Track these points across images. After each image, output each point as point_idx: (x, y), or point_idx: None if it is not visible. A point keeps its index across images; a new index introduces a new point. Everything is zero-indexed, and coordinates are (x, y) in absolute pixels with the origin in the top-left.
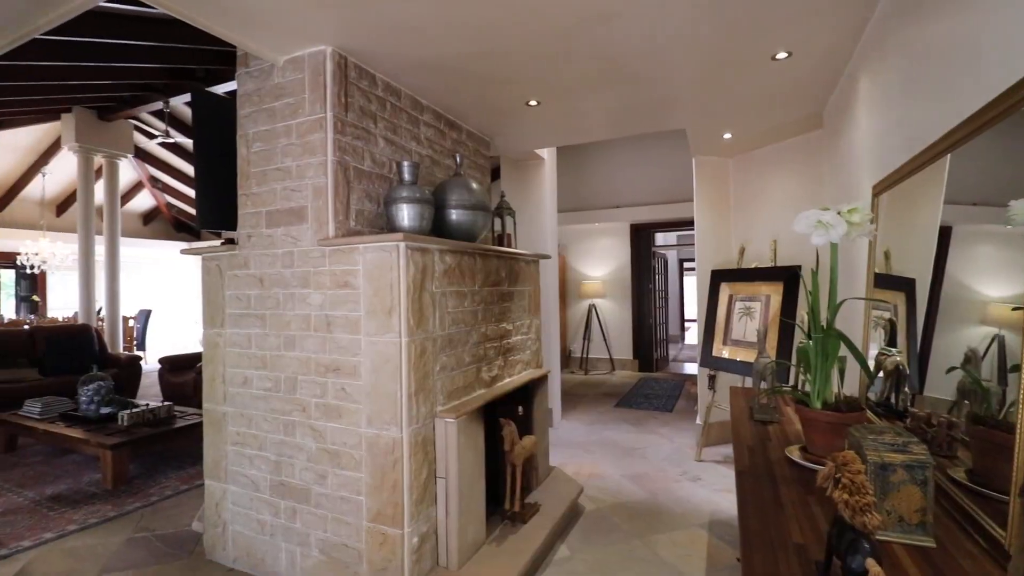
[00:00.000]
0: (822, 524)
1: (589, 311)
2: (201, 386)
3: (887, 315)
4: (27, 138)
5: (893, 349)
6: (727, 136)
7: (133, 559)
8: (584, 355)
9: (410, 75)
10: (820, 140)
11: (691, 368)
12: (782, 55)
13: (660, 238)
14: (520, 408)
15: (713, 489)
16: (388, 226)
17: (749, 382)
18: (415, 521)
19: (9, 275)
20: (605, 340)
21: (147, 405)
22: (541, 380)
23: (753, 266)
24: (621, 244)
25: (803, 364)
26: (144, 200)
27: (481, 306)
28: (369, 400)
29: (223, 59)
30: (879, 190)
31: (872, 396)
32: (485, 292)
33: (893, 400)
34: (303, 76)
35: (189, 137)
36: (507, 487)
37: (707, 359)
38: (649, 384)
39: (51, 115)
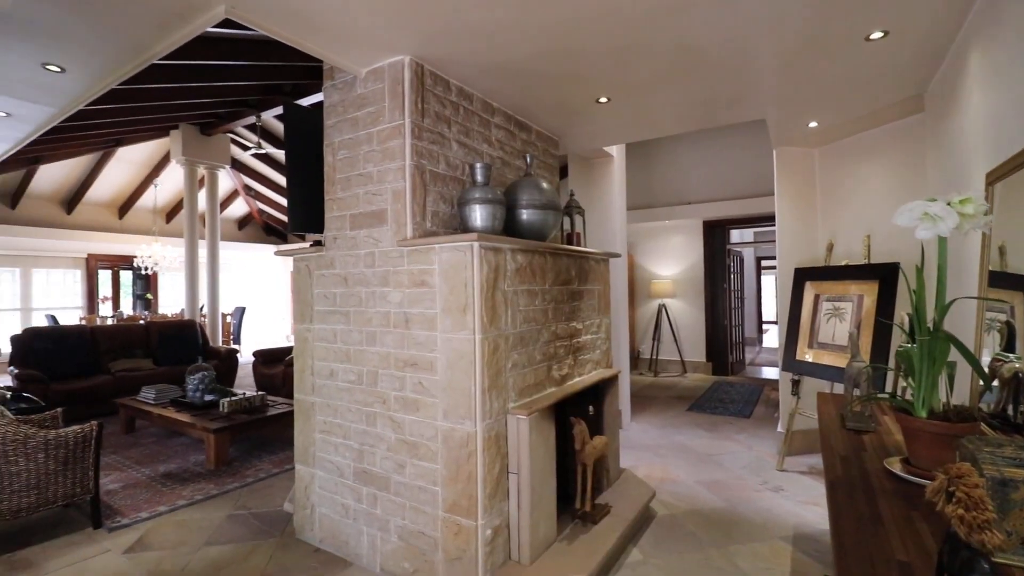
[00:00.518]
0: (929, 542)
1: (659, 311)
2: (289, 377)
3: (1003, 317)
4: (141, 154)
5: (1011, 355)
6: (813, 125)
7: (233, 534)
8: (654, 356)
9: (482, 79)
10: (920, 125)
11: (770, 372)
12: (877, 35)
13: (735, 235)
14: (591, 408)
15: (797, 501)
16: (461, 226)
17: (838, 388)
18: (488, 514)
19: (127, 276)
20: (676, 341)
21: (244, 394)
22: (612, 380)
23: (843, 263)
24: (693, 242)
25: (905, 369)
26: (239, 207)
27: (551, 305)
28: (445, 394)
29: (308, 74)
30: (994, 178)
31: (985, 407)
32: (555, 291)
33: (1011, 411)
34: (383, 86)
35: (278, 148)
36: (577, 486)
37: (790, 363)
38: (724, 388)
39: (162, 132)
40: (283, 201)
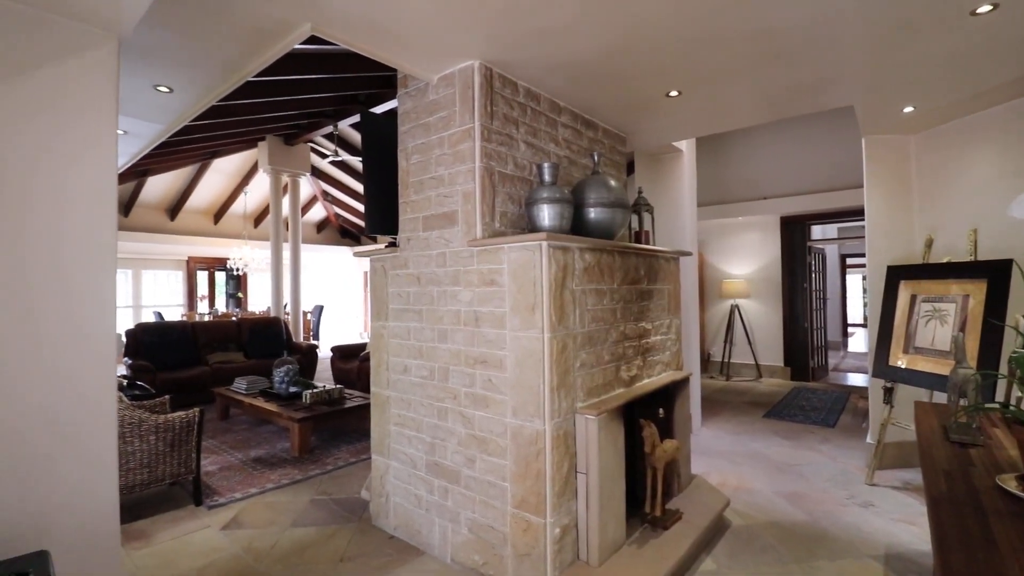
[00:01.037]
0: None
1: (731, 312)
2: (363, 372)
3: None
4: (233, 165)
5: None
6: (908, 110)
7: (315, 517)
8: (725, 359)
9: (549, 79)
10: None
11: (857, 379)
12: (985, 8)
13: (817, 231)
14: (661, 410)
15: (890, 518)
16: (529, 226)
17: (939, 396)
18: (556, 512)
19: (221, 276)
20: (750, 344)
21: (323, 387)
22: (682, 382)
23: (944, 260)
24: (769, 239)
25: (1021, 376)
26: (317, 211)
27: (620, 304)
28: (513, 392)
29: (381, 83)
30: None
31: None
32: (624, 290)
33: None
34: (453, 91)
35: (353, 155)
36: (647, 490)
37: (882, 369)
38: (804, 395)
39: (251, 143)
40: (357, 205)
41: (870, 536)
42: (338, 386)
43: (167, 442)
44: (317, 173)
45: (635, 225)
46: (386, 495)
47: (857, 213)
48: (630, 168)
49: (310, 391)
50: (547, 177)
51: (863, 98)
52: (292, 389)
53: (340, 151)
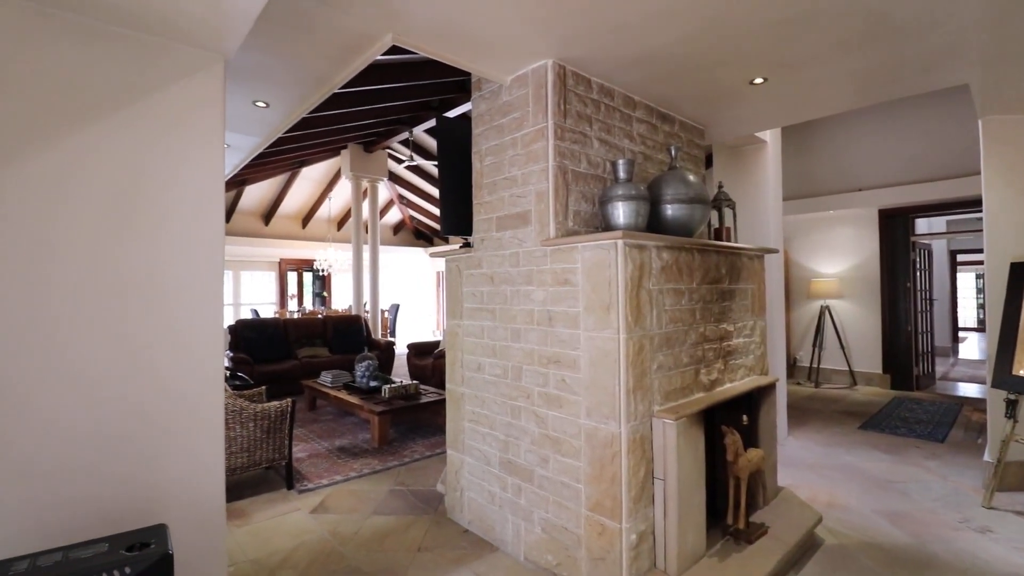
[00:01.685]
0: None
1: (821, 314)
2: (437, 369)
3: None
4: (318, 172)
5: None
6: None
7: (394, 507)
8: (814, 364)
9: (624, 72)
10: None
11: (970, 389)
12: None
13: (922, 224)
14: (745, 417)
15: (1012, 546)
16: (603, 224)
17: None
18: (633, 518)
19: (308, 276)
20: (843, 348)
21: (401, 382)
22: (768, 388)
23: None
24: (865, 234)
25: None
26: (394, 214)
27: (699, 305)
28: (588, 393)
29: (453, 89)
30: None
31: None
32: (704, 290)
33: None
34: (527, 91)
35: (426, 159)
36: (730, 501)
37: (1004, 379)
38: (907, 405)
39: (334, 152)
40: (431, 208)
41: (989, 565)
42: (414, 382)
43: (264, 429)
44: (393, 178)
45: (715, 222)
46: (460, 490)
47: (970, 204)
48: (708, 162)
49: (388, 386)
50: (622, 174)
51: (981, 74)
52: (372, 383)
53: (415, 156)
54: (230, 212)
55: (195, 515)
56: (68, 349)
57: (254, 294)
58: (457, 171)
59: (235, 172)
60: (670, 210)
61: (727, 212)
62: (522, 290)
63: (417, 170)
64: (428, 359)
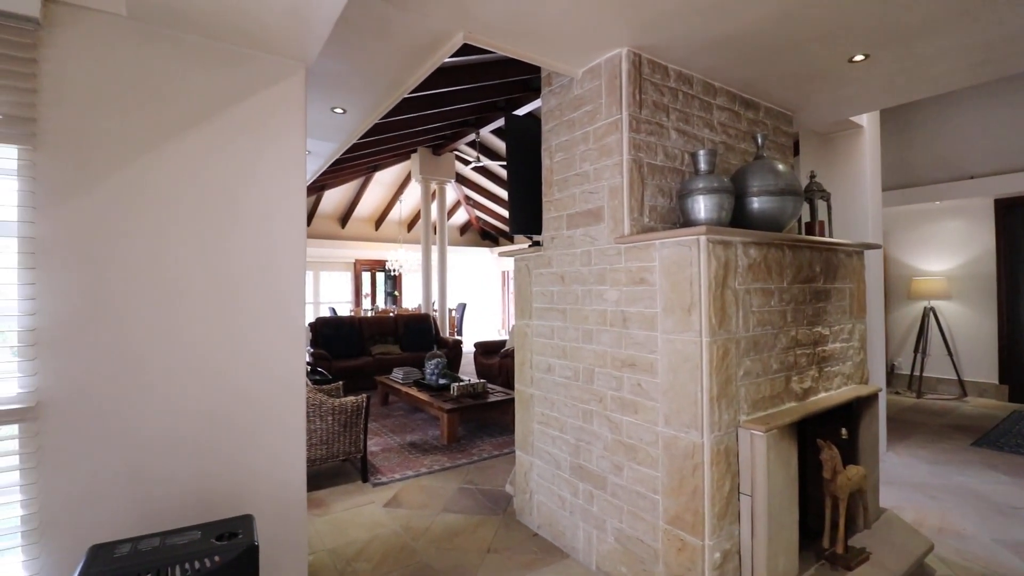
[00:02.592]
0: None
1: (924, 316)
2: (504, 368)
3: None
4: (390, 176)
5: None
6: None
7: (464, 505)
8: (915, 372)
9: (704, 57)
10: None
11: None
12: None
13: None
14: (844, 431)
15: None
16: (682, 220)
17: None
18: (716, 535)
19: (380, 276)
20: (951, 355)
21: (469, 381)
22: (869, 399)
23: None
24: (978, 227)
25: None
26: (460, 215)
27: (790, 306)
28: (666, 399)
29: (518, 88)
30: None
31: None
32: (795, 290)
33: None
34: (599, 83)
35: (492, 160)
36: (826, 522)
37: None
38: None
39: (405, 156)
40: (496, 208)
41: None
42: (481, 380)
43: (341, 423)
44: (460, 179)
45: (806, 215)
46: (530, 492)
47: None
48: (794, 150)
49: (457, 384)
50: (703, 165)
51: None
52: (441, 381)
53: (481, 157)
54: (311, 216)
55: (278, 505)
56: (192, 343)
57: (332, 293)
58: (526, 169)
59: (315, 177)
60: (757, 203)
61: (820, 205)
62: (594, 290)
63: (483, 171)
64: (495, 358)
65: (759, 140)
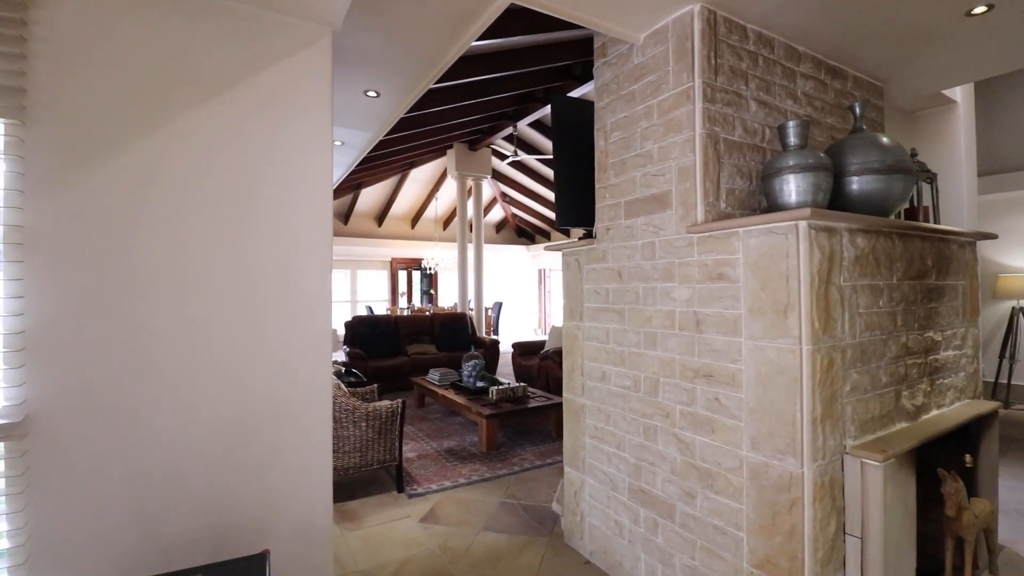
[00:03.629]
0: None
1: (1011, 317)
2: (543, 370)
3: None
4: (425, 174)
5: None
6: None
7: (506, 523)
8: (1001, 380)
9: (790, 14)
10: None
11: None
12: None
13: None
14: (968, 457)
15: None
16: (767, 204)
17: None
18: None
19: (416, 275)
20: None
21: (508, 384)
22: (989, 418)
23: None
24: None
25: None
26: (496, 213)
27: (900, 306)
28: (753, 418)
29: (559, 76)
30: None
31: None
32: (906, 287)
33: None
34: (666, 47)
35: (530, 154)
36: (946, 566)
37: None
38: None
39: (440, 152)
40: (533, 205)
41: None
42: (521, 384)
43: (375, 429)
44: (497, 176)
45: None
46: (580, 513)
47: None
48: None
49: (496, 387)
50: (793, 139)
51: None
52: (479, 384)
53: (519, 152)
54: (348, 214)
55: (302, 531)
56: (208, 347)
57: (368, 292)
58: (575, 154)
59: (349, 172)
60: (856, 184)
61: (924, 187)
62: (659, 287)
63: (520, 166)
64: (534, 359)
65: (857, 109)
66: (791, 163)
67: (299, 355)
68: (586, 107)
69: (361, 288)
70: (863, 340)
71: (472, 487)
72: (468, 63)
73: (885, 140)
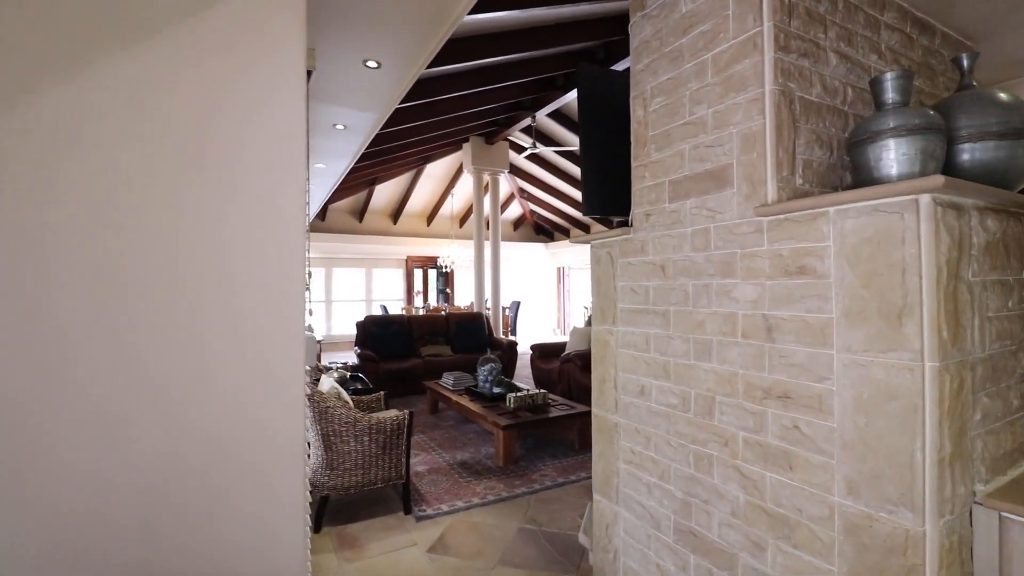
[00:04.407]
0: None
1: None
2: (564, 374)
3: None
4: (440, 169)
5: None
6: None
7: (526, 556)
8: None
9: None
10: None
11: None
12: None
13: None
14: None
15: None
16: (856, 178)
17: None
18: None
19: (432, 273)
20: None
21: (527, 391)
22: None
23: None
24: None
25: None
26: (514, 210)
27: None
28: (850, 455)
29: (579, 59)
30: None
31: None
32: None
33: None
34: None
35: (547, 146)
36: None
37: None
38: None
39: (456, 146)
40: (552, 201)
41: None
42: (541, 391)
43: (379, 444)
44: (514, 170)
45: None
46: (613, 551)
47: None
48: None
49: (514, 394)
50: (892, 94)
51: None
52: (496, 390)
53: (537, 144)
54: (362, 212)
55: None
56: (139, 357)
57: (383, 291)
58: (605, 131)
59: (354, 162)
60: (969, 152)
61: None
62: (714, 284)
63: (538, 160)
64: (554, 363)
65: (964, 62)
66: (892, 124)
67: (261, 376)
68: (617, 78)
69: (376, 287)
70: (993, 352)
71: (487, 508)
72: (482, 43)
73: (1007, 97)
